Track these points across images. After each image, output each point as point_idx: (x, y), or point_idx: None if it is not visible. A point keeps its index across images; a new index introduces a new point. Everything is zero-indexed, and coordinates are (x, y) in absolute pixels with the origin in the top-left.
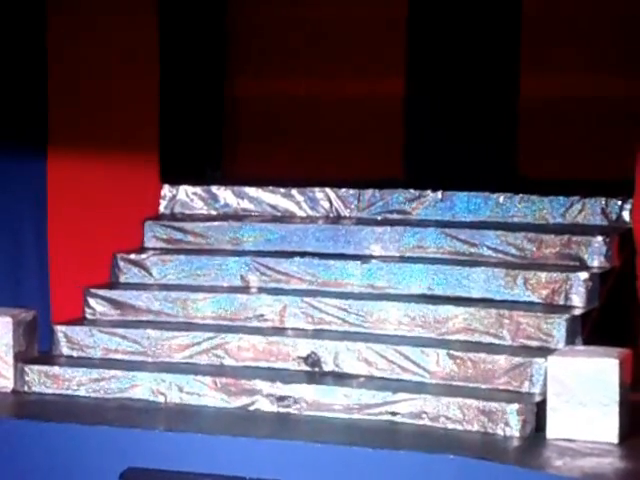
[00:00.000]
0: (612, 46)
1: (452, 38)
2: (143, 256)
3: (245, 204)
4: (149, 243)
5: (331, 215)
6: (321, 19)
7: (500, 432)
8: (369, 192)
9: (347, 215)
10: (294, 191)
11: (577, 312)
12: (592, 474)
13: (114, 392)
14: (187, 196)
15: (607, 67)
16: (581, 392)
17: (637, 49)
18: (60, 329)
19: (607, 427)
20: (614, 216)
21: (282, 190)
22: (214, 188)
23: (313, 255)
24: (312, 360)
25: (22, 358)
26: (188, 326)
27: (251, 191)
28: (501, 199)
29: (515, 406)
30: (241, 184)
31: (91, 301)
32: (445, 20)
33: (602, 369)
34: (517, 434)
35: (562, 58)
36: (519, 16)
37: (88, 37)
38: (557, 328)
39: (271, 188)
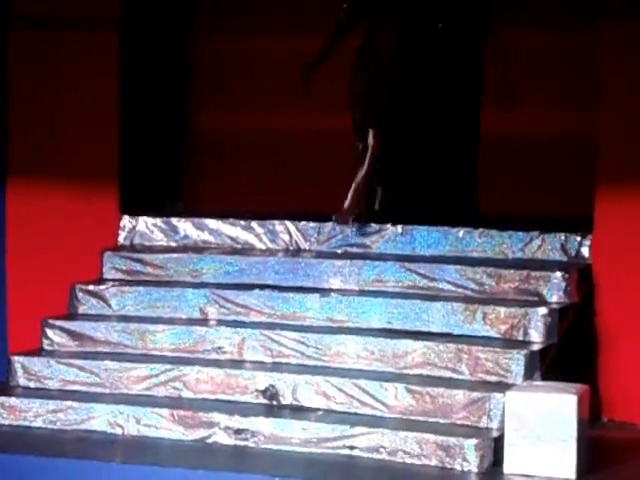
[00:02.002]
0: (570, 83)
1: (413, 72)
2: (102, 287)
3: (205, 236)
4: (108, 274)
5: (291, 248)
6: (283, 52)
7: (458, 467)
8: (329, 225)
9: (307, 248)
10: (254, 223)
11: (536, 347)
12: None
13: (71, 424)
14: (147, 227)
15: (565, 104)
16: (539, 427)
17: (594, 86)
18: (17, 359)
19: (565, 463)
20: (573, 252)
21: (242, 222)
22: (174, 220)
23: (272, 288)
24: (270, 393)
25: None
26: (146, 358)
27: (211, 223)
28: (461, 234)
29: (473, 441)
30: (201, 216)
31: (49, 332)
32: (406, 56)
33: (560, 405)
34: (475, 469)
35: (522, 95)
36: (480, 56)
37: (47, 69)
38: (515, 363)
39: (231, 220)
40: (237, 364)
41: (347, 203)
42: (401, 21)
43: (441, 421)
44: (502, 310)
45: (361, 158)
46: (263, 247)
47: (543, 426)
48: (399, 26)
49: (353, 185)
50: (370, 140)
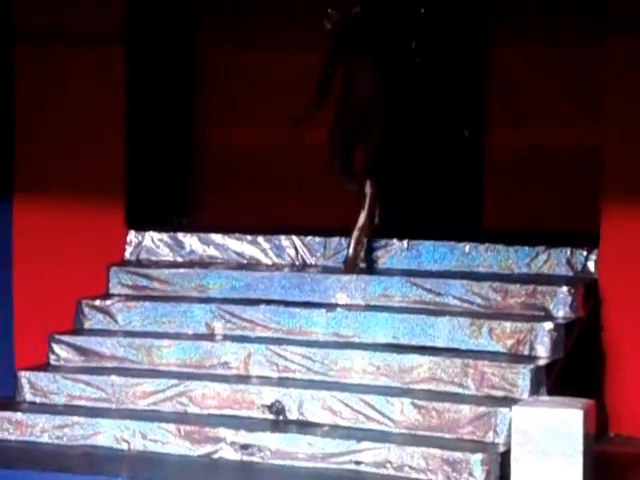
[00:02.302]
0: (576, 98)
1: (419, 90)
2: (108, 302)
3: (211, 251)
4: (114, 289)
5: (297, 263)
6: (289, 68)
7: None
8: (335, 240)
9: (313, 263)
10: (260, 238)
11: (542, 362)
12: None
13: (77, 439)
14: (153, 242)
15: (572, 120)
16: (545, 442)
17: (600, 102)
18: (24, 375)
19: (571, 478)
20: (579, 266)
21: (248, 237)
22: (180, 235)
23: (279, 303)
24: (276, 408)
25: None
26: (152, 373)
27: (217, 238)
28: (467, 249)
29: (479, 456)
30: (207, 231)
31: (55, 347)
32: (410, 72)
33: (566, 420)
34: None
35: (528, 110)
36: (486, 70)
37: (54, 83)
38: (522, 378)
39: (237, 235)
40: (243, 379)
41: (351, 253)
42: (379, 60)
43: (447, 436)
44: (508, 325)
45: (359, 205)
46: (269, 262)
47: (549, 441)
48: (377, 66)
49: (355, 233)
50: (368, 189)
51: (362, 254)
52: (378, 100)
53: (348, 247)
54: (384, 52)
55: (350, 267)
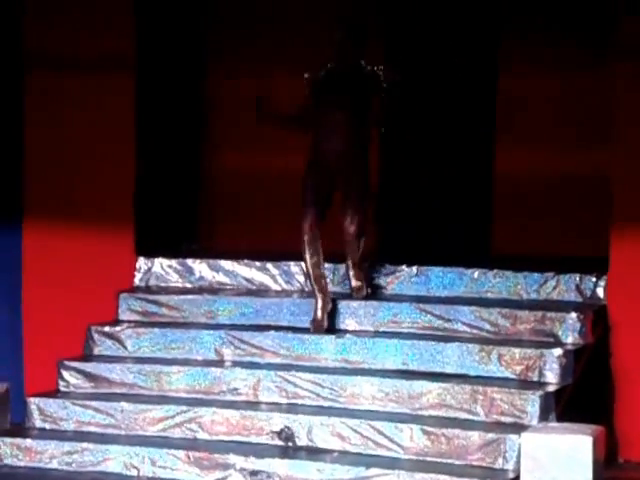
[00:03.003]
0: (585, 123)
1: (427, 115)
2: (117, 328)
3: (220, 277)
4: (124, 316)
5: (306, 289)
6: (300, 95)
7: None
8: (344, 266)
9: None
10: (269, 265)
11: (551, 388)
12: None
13: (87, 465)
14: (162, 269)
15: (581, 146)
16: (555, 469)
17: (609, 126)
18: (33, 401)
19: None
20: (588, 292)
21: (257, 263)
22: (189, 261)
23: (287, 329)
24: (286, 434)
25: None
26: (162, 399)
27: (226, 264)
28: (476, 274)
29: None
30: (217, 257)
31: (65, 373)
32: (419, 99)
33: (576, 446)
34: None
35: (537, 137)
36: (494, 97)
37: (65, 111)
38: (531, 404)
39: (246, 261)
40: (252, 405)
41: (354, 282)
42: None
43: (456, 462)
44: (517, 351)
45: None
46: (278, 288)
47: (559, 467)
48: (353, 120)
49: (354, 265)
50: (362, 244)
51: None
52: (356, 161)
53: (349, 278)
54: (361, 106)
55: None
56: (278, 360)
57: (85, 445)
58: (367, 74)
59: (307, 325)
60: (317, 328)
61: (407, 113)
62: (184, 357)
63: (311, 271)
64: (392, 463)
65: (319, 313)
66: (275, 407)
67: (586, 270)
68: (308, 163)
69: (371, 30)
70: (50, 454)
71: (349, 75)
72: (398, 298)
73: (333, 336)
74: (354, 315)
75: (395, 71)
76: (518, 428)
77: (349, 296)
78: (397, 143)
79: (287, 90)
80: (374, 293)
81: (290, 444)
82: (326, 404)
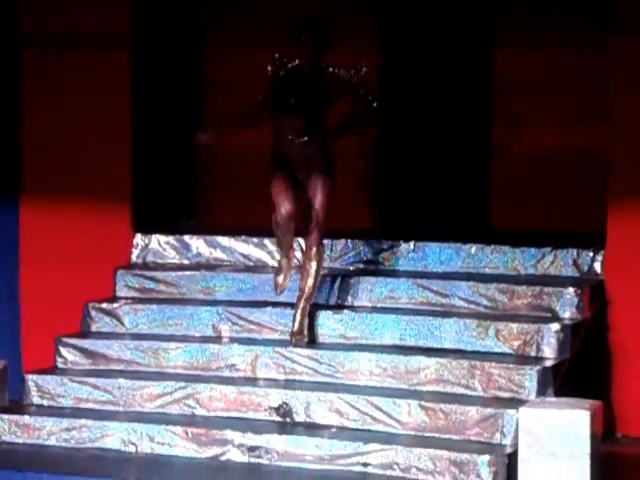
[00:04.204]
0: (581, 101)
1: (424, 90)
2: (115, 305)
3: (217, 253)
4: (121, 292)
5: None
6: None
7: None
8: (341, 242)
9: None
10: (267, 241)
11: (548, 363)
12: None
13: (85, 442)
14: (159, 245)
15: (577, 121)
16: (552, 444)
17: (606, 103)
18: (31, 378)
19: (578, 479)
20: (585, 267)
21: (254, 240)
22: (187, 237)
23: (285, 305)
24: (284, 410)
25: None
26: (159, 376)
27: (224, 240)
28: (473, 250)
29: (486, 457)
30: (214, 233)
31: (62, 350)
32: (417, 74)
33: (573, 420)
34: None
35: (533, 112)
36: (491, 72)
37: (61, 88)
38: (528, 379)
39: (243, 237)
40: (250, 381)
41: (297, 326)
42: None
43: (454, 437)
44: (515, 326)
45: (305, 270)
46: (276, 264)
47: (556, 442)
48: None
49: (301, 304)
50: (315, 255)
51: (307, 323)
52: (319, 159)
53: (294, 319)
54: (321, 108)
55: (298, 339)
56: (276, 336)
57: (83, 422)
58: (330, 75)
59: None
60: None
61: (405, 91)
62: (182, 333)
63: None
64: (390, 438)
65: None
66: (273, 383)
67: (583, 245)
68: (271, 155)
69: (337, 32)
70: (48, 431)
71: (311, 75)
72: (395, 274)
73: (330, 312)
74: (351, 291)
75: (361, 71)
76: (516, 403)
77: (346, 272)
78: (395, 120)
79: None
80: (372, 269)
81: (288, 420)
82: (324, 380)
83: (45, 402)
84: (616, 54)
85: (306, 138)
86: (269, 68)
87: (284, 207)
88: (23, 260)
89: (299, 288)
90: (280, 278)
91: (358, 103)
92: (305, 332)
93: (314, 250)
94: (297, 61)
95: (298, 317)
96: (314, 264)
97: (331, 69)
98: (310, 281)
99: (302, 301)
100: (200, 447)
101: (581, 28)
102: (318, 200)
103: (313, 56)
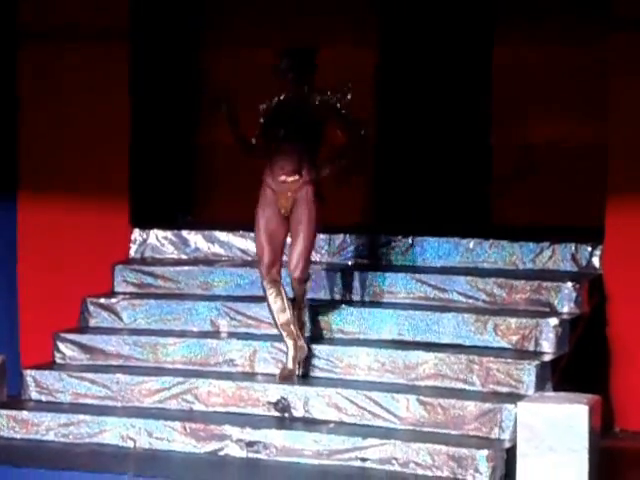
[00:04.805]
0: (582, 95)
1: (423, 86)
2: (113, 300)
3: (216, 248)
4: (119, 287)
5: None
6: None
7: (470, 478)
8: (340, 237)
9: (318, 260)
10: None
11: (547, 358)
12: None
13: (83, 437)
14: (157, 240)
15: (576, 116)
16: (551, 438)
17: (606, 98)
18: (29, 373)
19: (577, 473)
20: (584, 262)
21: (252, 235)
22: (185, 232)
23: None
24: (282, 405)
25: None
26: (158, 371)
27: (222, 235)
28: (471, 244)
29: (485, 452)
30: (212, 228)
31: (61, 345)
32: (416, 69)
33: (572, 415)
34: None
35: (532, 107)
36: (490, 67)
37: (59, 83)
38: (527, 374)
39: (242, 232)
40: (249, 376)
41: (291, 365)
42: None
43: (453, 432)
44: (513, 321)
45: (292, 302)
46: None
47: (555, 437)
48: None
49: (291, 344)
50: (302, 292)
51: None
52: (306, 198)
53: (287, 357)
54: (312, 138)
55: (289, 377)
56: (274, 331)
57: (81, 417)
58: (316, 102)
59: None
60: (285, 378)
61: (404, 87)
62: (180, 329)
63: (276, 317)
64: (388, 433)
65: (290, 363)
66: (271, 378)
67: (582, 240)
68: (260, 198)
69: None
70: (46, 426)
71: (297, 106)
72: (394, 268)
73: (329, 307)
74: (350, 286)
75: (347, 94)
76: (514, 398)
77: (345, 267)
78: (394, 115)
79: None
80: (370, 264)
81: (286, 415)
82: (322, 375)
83: (43, 397)
84: (615, 50)
85: (297, 177)
86: (261, 106)
87: (265, 257)
88: (21, 256)
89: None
90: (290, 364)
91: (345, 128)
92: (297, 370)
93: (297, 289)
94: (283, 95)
95: (290, 356)
96: (302, 301)
97: (317, 96)
98: (294, 314)
99: (295, 338)
100: (198, 442)
101: (580, 24)
102: (302, 235)
103: (297, 86)
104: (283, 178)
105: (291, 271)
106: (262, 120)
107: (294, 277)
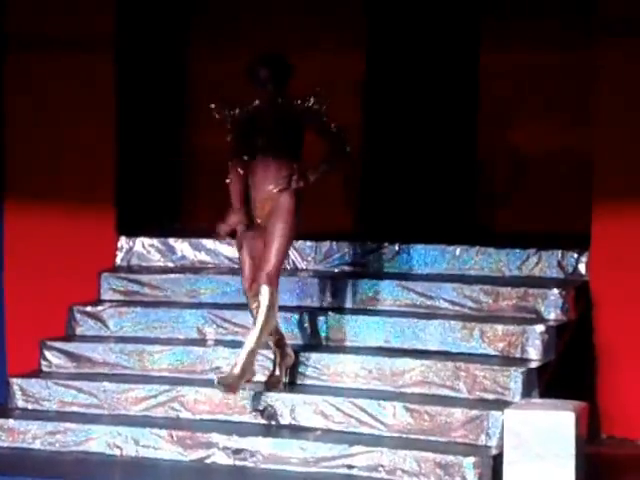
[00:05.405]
0: (566, 103)
1: (410, 93)
2: (99, 308)
3: (202, 256)
4: (105, 295)
5: (288, 267)
6: None
7: None
8: (326, 244)
9: (304, 267)
10: None
11: (533, 365)
12: None
13: (70, 445)
14: (144, 248)
15: (562, 123)
16: (538, 445)
17: (591, 104)
18: (15, 381)
19: None
20: (570, 269)
21: None
22: (171, 240)
23: None
24: (269, 413)
25: None
26: (144, 379)
27: (208, 243)
28: (458, 251)
29: (471, 459)
30: (198, 236)
31: (47, 353)
32: (402, 76)
33: (558, 422)
34: None
35: (519, 114)
36: (476, 73)
37: (45, 91)
38: (514, 381)
39: (228, 240)
40: None
41: (238, 369)
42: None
43: (439, 439)
44: (500, 328)
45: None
46: None
47: (542, 443)
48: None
49: (246, 349)
50: (265, 299)
51: (248, 373)
52: (285, 205)
53: (237, 357)
54: (288, 146)
55: (233, 386)
56: None
57: (68, 425)
58: (293, 109)
59: (289, 303)
60: (272, 385)
61: (390, 93)
62: (166, 336)
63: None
64: (375, 441)
65: (277, 370)
66: (258, 386)
67: (568, 247)
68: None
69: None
70: (33, 434)
71: (273, 113)
72: (380, 276)
73: (315, 314)
74: (336, 293)
75: (324, 99)
76: (501, 405)
77: (331, 274)
78: (380, 121)
79: None
80: (357, 271)
81: (273, 422)
82: (309, 382)
83: (29, 405)
84: (601, 56)
85: (272, 186)
86: (216, 116)
87: (247, 270)
88: (8, 263)
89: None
90: (277, 370)
91: (328, 135)
92: (241, 381)
93: (262, 291)
94: (257, 101)
95: (242, 357)
96: (263, 309)
97: (296, 102)
98: (257, 327)
99: (247, 349)
100: (185, 450)
101: (566, 30)
102: (274, 244)
103: (273, 93)
104: (265, 188)
105: (257, 278)
106: (231, 127)
107: (259, 281)
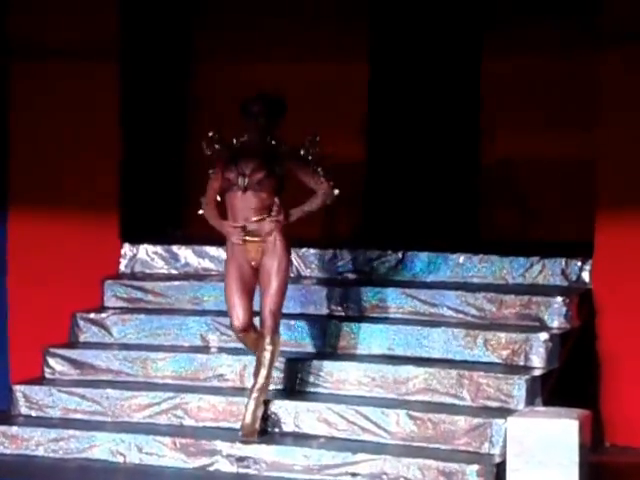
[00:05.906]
0: (571, 108)
1: (413, 100)
2: (103, 315)
3: (206, 263)
4: (109, 302)
5: (292, 275)
6: (281, 82)
7: None
8: (330, 252)
9: (308, 275)
10: None
11: (537, 373)
12: None
13: (73, 452)
14: (147, 255)
15: (565, 131)
16: (541, 453)
17: (594, 111)
18: (19, 389)
19: None
20: (574, 277)
21: None
22: (175, 247)
23: None
24: (272, 421)
25: None
26: (148, 386)
27: (212, 250)
28: (461, 259)
29: (475, 467)
30: (202, 243)
31: (50, 360)
32: (406, 84)
33: (562, 430)
34: None
35: (521, 121)
36: (478, 80)
37: (50, 99)
38: (517, 389)
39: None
40: (239, 391)
41: (249, 418)
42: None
43: (443, 447)
44: (503, 336)
45: (258, 360)
46: None
47: (545, 451)
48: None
49: (254, 395)
50: (268, 345)
51: (261, 415)
52: (273, 241)
53: (245, 411)
54: (274, 184)
55: (249, 432)
56: None
57: (71, 432)
58: (283, 149)
59: (292, 311)
60: (247, 434)
61: (393, 102)
62: (170, 343)
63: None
64: (378, 448)
65: (248, 416)
66: None
67: (571, 254)
68: (227, 251)
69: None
70: (36, 441)
71: (263, 151)
72: (384, 283)
73: (318, 321)
74: (340, 301)
75: (315, 145)
76: (504, 412)
77: (335, 281)
78: (383, 130)
79: (272, 76)
80: (360, 278)
81: (276, 430)
82: (312, 390)
83: (33, 412)
84: (604, 64)
85: (255, 218)
86: (205, 146)
87: (236, 318)
88: (11, 271)
89: (253, 376)
90: (247, 418)
91: (315, 181)
92: (257, 426)
93: (267, 339)
94: (246, 136)
95: (250, 408)
96: (267, 355)
97: (284, 146)
98: (263, 372)
99: (255, 392)
100: (188, 457)
101: (569, 38)
102: (273, 286)
103: (265, 131)
104: (245, 218)
105: (260, 325)
106: (220, 164)
107: (262, 331)
